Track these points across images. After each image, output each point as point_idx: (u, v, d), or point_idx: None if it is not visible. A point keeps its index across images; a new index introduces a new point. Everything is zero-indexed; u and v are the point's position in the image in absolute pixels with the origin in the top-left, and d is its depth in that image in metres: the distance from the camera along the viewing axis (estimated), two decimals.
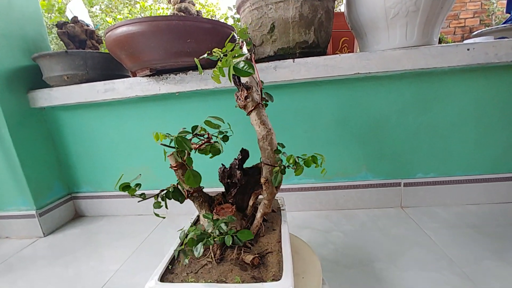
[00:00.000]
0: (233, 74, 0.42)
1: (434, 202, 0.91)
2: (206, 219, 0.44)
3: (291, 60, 0.79)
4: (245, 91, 0.45)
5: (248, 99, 0.45)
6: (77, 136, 1.04)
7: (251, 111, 0.45)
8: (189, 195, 0.46)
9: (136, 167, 1.03)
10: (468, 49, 0.75)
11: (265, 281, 0.38)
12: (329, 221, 0.89)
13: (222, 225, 0.41)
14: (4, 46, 0.91)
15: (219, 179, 0.52)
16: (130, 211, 1.09)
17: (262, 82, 0.49)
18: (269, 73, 0.80)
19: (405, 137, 0.88)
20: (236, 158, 0.50)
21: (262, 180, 0.46)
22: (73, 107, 0.99)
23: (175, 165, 0.44)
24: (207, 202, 0.49)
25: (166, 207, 0.42)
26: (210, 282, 0.38)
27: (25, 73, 0.97)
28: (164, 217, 0.44)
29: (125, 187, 0.38)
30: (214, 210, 0.48)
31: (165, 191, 0.43)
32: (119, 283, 0.69)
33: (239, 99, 0.45)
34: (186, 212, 1.04)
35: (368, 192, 0.93)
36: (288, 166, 0.44)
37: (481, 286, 0.57)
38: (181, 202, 0.44)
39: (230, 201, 0.50)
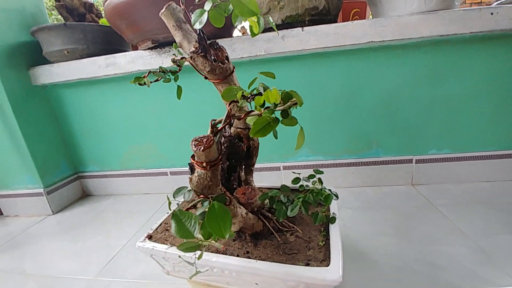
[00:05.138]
0: (199, 30, 0.35)
1: (446, 179, 0.88)
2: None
3: (300, 28, 0.74)
4: (223, 51, 0.38)
5: (227, 61, 0.39)
6: (80, 114, 1.02)
7: (229, 75, 0.40)
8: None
9: (141, 144, 1.02)
10: (491, 13, 0.69)
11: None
12: None
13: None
14: (3, 21, 0.88)
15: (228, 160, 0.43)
16: (137, 190, 1.09)
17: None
18: (277, 43, 0.76)
19: (419, 111, 0.84)
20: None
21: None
22: (75, 84, 0.97)
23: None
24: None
25: None
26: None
27: (25, 49, 0.94)
28: None
29: None
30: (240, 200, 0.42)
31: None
32: (127, 257, 0.69)
33: (213, 61, 0.36)
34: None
35: (378, 169, 0.90)
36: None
37: (497, 259, 0.55)
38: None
39: (234, 186, 0.45)
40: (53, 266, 0.68)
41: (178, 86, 0.47)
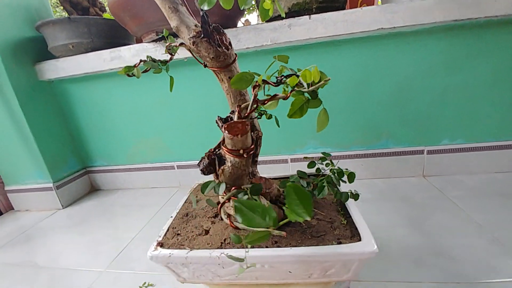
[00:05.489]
0: (203, 12, 0.34)
1: (459, 170, 0.86)
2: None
3: (307, 16, 0.72)
4: (226, 36, 0.36)
5: (230, 47, 0.37)
6: (87, 109, 1.02)
7: (232, 62, 0.38)
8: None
9: (148, 138, 1.02)
10: None
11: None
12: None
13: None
14: (8, 16, 0.88)
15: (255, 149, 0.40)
16: (144, 184, 1.09)
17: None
18: (283, 32, 0.74)
19: (431, 100, 0.81)
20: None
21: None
22: (81, 79, 0.97)
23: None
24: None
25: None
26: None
27: (30, 44, 0.94)
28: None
29: None
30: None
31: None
32: (136, 249, 0.69)
33: (217, 46, 0.34)
34: None
35: (388, 160, 0.88)
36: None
37: None
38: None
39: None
40: (64, 259, 0.69)
41: (170, 77, 0.44)
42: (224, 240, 0.39)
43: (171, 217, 0.47)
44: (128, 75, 0.38)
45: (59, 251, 0.73)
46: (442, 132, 0.84)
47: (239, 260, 0.27)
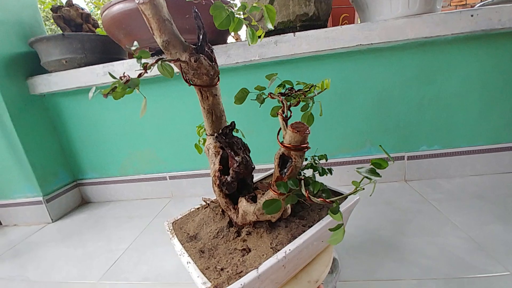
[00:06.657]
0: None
1: (437, 175, 0.92)
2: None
3: (292, 33, 0.77)
4: (214, 53, 0.39)
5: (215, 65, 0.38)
6: (79, 122, 1.03)
7: (218, 79, 0.40)
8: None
9: (140, 150, 1.04)
10: (471, 15, 0.74)
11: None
12: None
13: None
14: (1, 32, 0.90)
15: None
16: (136, 196, 1.10)
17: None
18: (270, 48, 0.79)
19: (409, 109, 0.88)
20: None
21: None
22: (73, 92, 0.98)
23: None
24: None
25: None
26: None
27: (23, 59, 0.96)
28: None
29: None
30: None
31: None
32: (129, 260, 0.70)
33: (206, 64, 0.36)
34: (191, 195, 1.05)
35: None
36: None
37: (487, 248, 0.58)
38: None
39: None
40: (56, 272, 0.69)
41: (144, 97, 0.34)
42: (270, 243, 0.38)
43: (188, 263, 0.39)
44: (105, 96, 0.29)
45: (51, 265, 0.72)
46: (420, 139, 0.90)
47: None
